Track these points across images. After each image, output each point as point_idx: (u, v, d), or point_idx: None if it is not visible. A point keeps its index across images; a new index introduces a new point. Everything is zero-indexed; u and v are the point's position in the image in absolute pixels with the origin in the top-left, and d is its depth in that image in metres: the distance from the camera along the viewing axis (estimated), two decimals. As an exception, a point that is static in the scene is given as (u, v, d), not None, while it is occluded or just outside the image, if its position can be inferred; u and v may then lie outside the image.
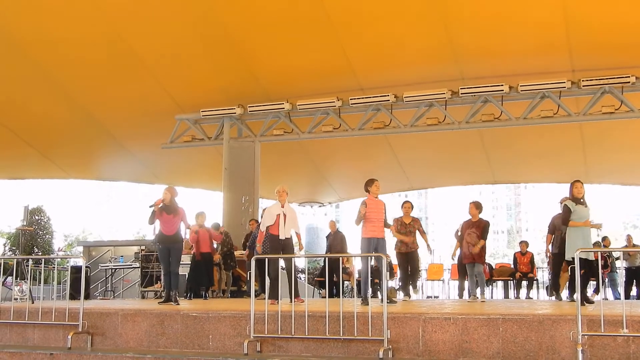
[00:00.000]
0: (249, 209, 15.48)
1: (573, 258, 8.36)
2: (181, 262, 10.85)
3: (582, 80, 12.89)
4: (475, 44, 12.63)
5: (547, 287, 15.40)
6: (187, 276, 12.73)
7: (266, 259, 8.63)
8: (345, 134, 15.03)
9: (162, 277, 11.56)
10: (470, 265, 11.00)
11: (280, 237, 9.89)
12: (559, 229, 10.49)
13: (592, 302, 8.73)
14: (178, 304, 9.76)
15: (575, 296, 8.23)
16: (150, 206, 10.27)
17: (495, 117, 13.89)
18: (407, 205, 11.15)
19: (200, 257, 12.49)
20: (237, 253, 14.07)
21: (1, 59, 13.48)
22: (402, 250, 11.13)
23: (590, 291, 14.41)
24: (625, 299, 14.18)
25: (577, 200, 9.18)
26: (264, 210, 12.52)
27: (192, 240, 12.40)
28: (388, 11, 11.91)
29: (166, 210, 10.25)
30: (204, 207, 13.36)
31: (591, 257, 9.13)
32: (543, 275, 16.71)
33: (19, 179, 22.81)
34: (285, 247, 9.95)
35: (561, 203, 10.72)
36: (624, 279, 14.84)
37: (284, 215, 9.92)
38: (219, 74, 14.42)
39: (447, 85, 13.66)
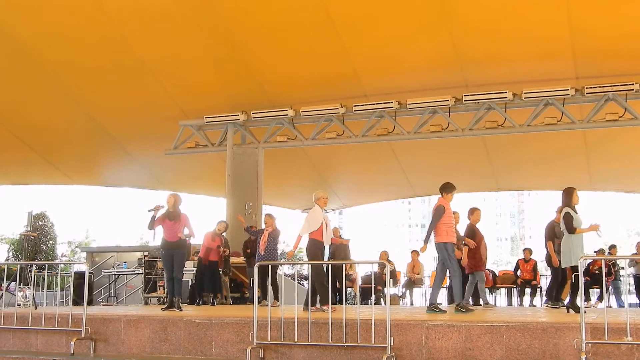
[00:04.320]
0: (253, 215, 15.46)
1: (575, 265, 8.36)
2: (185, 268, 10.86)
3: (586, 88, 12.84)
4: (479, 51, 12.63)
5: (547, 294, 15.27)
6: (190, 283, 12.69)
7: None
8: (348, 141, 15.01)
9: (165, 283, 11.57)
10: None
11: (324, 243, 9.85)
12: (559, 237, 10.28)
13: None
14: (181, 310, 9.76)
15: (577, 303, 8.20)
16: (149, 210, 10.28)
17: (499, 124, 13.86)
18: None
19: (208, 263, 12.46)
20: (238, 259, 14.03)
21: (5, 64, 13.54)
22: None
23: (593, 299, 14.36)
24: (637, 306, 14.08)
25: (574, 208, 9.13)
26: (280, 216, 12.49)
27: (209, 244, 12.35)
28: (392, 18, 11.93)
29: (169, 216, 10.28)
30: (207, 213, 13.41)
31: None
32: (546, 282, 16.63)
33: (23, 185, 22.85)
34: (323, 252, 10.06)
35: (559, 211, 10.57)
36: (634, 286, 14.72)
37: (326, 223, 9.88)
38: (222, 81, 14.45)
39: (451, 92, 13.63)
